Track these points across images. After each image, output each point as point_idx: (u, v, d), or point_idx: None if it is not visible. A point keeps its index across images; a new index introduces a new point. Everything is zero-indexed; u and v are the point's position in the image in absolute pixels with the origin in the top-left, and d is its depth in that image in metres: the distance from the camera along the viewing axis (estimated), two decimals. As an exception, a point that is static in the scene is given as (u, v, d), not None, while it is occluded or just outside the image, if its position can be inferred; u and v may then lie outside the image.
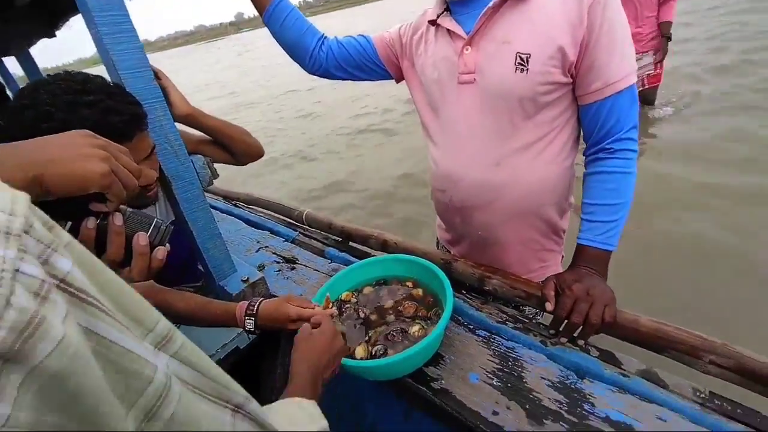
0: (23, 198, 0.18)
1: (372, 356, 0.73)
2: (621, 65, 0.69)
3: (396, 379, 0.74)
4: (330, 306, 0.77)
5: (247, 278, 0.94)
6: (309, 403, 0.45)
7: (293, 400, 0.45)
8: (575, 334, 0.71)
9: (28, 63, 1.89)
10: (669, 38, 2.92)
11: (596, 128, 0.75)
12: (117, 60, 0.73)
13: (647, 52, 2.96)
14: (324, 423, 0.43)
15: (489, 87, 0.75)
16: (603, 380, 0.66)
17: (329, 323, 0.65)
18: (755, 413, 0.56)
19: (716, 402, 0.59)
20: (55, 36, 1.93)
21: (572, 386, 0.66)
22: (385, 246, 1.07)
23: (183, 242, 0.88)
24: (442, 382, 0.72)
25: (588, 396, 0.64)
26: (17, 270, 0.16)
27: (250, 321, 0.71)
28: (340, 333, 0.66)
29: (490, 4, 0.72)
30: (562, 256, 0.98)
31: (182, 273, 1.02)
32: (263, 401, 0.35)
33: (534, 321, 0.80)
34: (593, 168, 0.77)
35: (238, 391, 0.29)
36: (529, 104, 0.74)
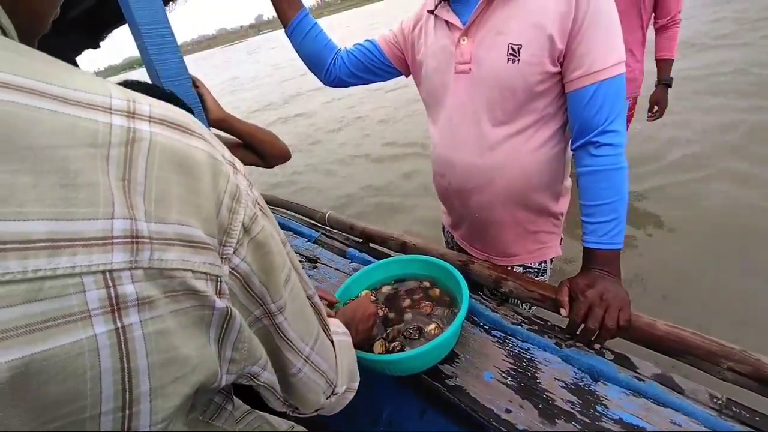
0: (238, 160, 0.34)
1: (389, 352, 0.76)
2: (605, 55, 0.69)
3: (412, 376, 0.76)
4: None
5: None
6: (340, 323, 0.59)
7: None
8: (591, 338, 0.72)
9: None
10: (669, 85, 1.88)
11: (579, 117, 0.75)
12: (160, 69, 0.80)
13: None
14: (347, 332, 0.57)
15: (483, 77, 0.78)
16: (617, 383, 0.67)
17: (372, 304, 0.78)
18: (773, 421, 0.56)
19: (734, 409, 0.58)
20: (99, 47, 2.07)
21: (586, 388, 0.67)
22: (404, 247, 1.09)
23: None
24: (457, 379, 0.74)
25: (601, 398, 0.65)
26: (248, 192, 0.32)
27: None
28: (376, 315, 0.77)
29: None
30: (561, 239, 0.99)
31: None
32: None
33: (549, 323, 0.81)
34: (584, 167, 0.77)
35: (310, 287, 0.43)
36: (521, 93, 0.76)
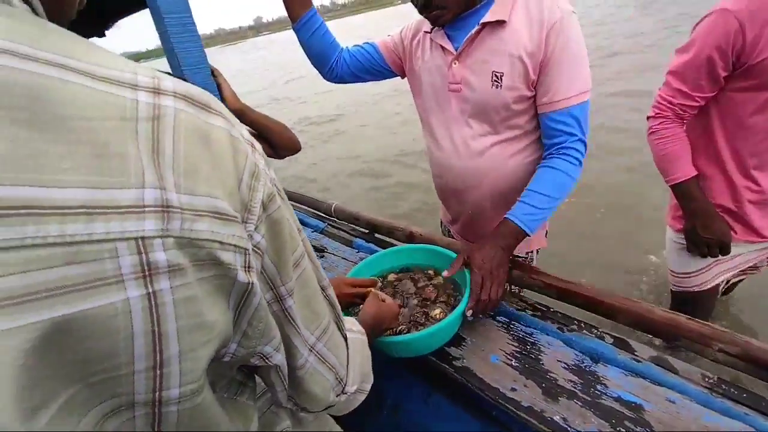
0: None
1: (396, 334, 0.79)
2: (567, 87, 0.83)
3: (419, 360, 0.79)
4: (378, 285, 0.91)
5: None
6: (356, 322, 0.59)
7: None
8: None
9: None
10: None
11: (546, 134, 0.89)
12: (182, 57, 0.82)
13: None
14: (363, 331, 0.56)
15: (472, 97, 0.91)
16: (616, 364, 0.71)
17: (394, 302, 0.78)
18: (760, 398, 0.60)
19: (724, 387, 0.63)
20: (104, 36, 2.07)
21: (587, 369, 0.71)
22: (410, 238, 1.13)
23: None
24: (464, 360, 0.78)
25: (601, 378, 0.69)
26: (266, 171, 0.33)
27: None
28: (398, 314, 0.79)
29: (473, 30, 0.85)
30: (546, 231, 1.13)
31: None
32: None
33: (551, 309, 0.85)
34: (543, 163, 0.90)
35: (324, 278, 0.43)
36: (503, 111, 0.89)
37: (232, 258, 0.28)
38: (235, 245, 0.28)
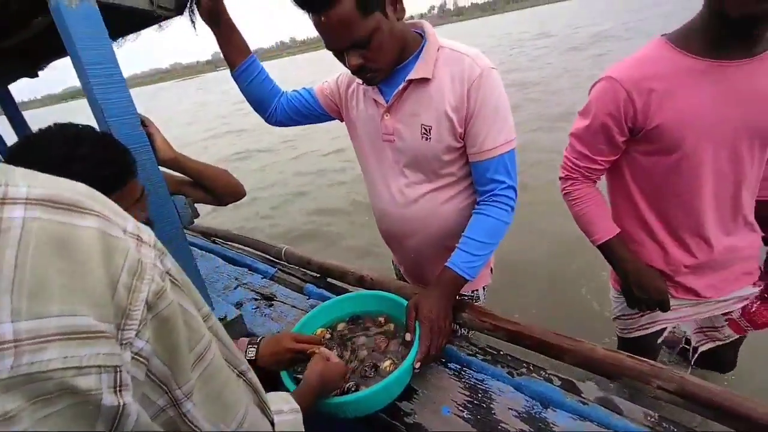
0: (148, 228, 0.32)
1: (344, 393, 0.74)
2: (493, 138, 0.86)
3: (370, 416, 0.75)
4: (323, 340, 0.87)
5: (225, 316, 0.95)
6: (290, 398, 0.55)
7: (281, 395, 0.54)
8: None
9: (6, 99, 1.91)
10: None
11: (479, 182, 0.93)
12: (106, 108, 0.77)
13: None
14: (297, 408, 0.52)
15: (404, 147, 0.94)
16: (564, 408, 0.70)
17: (340, 361, 0.76)
18: (696, 434, 0.61)
19: (664, 425, 0.64)
20: (37, 76, 1.96)
21: (537, 416, 0.70)
22: (361, 282, 1.10)
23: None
24: (416, 416, 0.74)
25: (551, 425, 0.68)
26: (155, 264, 0.30)
27: (252, 349, 0.77)
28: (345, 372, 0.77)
29: (401, 86, 0.88)
30: (492, 268, 1.15)
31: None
32: None
33: (500, 353, 0.85)
34: (478, 209, 0.93)
35: (243, 362, 0.41)
36: (434, 162, 0.92)
37: (95, 381, 0.24)
38: (99, 365, 0.24)
